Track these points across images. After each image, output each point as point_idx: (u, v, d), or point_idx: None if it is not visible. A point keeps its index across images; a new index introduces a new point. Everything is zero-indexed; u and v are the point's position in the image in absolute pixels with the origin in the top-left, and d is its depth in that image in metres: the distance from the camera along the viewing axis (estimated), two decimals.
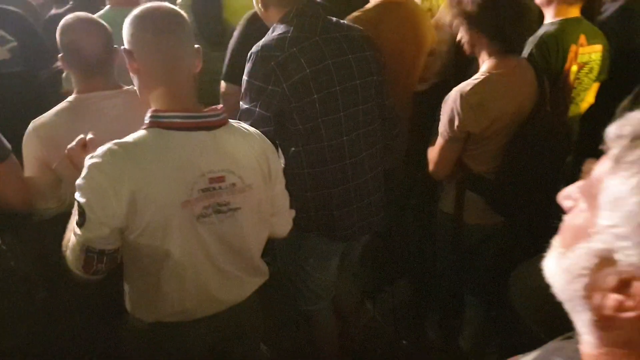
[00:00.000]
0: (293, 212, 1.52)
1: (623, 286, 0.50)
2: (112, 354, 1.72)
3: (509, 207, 1.82)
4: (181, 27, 1.22)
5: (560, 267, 0.57)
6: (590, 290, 0.53)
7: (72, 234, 1.20)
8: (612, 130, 0.54)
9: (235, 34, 2.08)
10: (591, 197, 0.54)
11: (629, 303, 0.50)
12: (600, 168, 0.55)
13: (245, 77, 1.63)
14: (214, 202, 1.22)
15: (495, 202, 1.82)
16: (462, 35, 1.78)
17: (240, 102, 1.66)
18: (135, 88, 1.66)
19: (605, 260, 0.51)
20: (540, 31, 2.05)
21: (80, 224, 1.15)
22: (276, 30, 1.66)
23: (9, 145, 1.53)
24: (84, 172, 1.15)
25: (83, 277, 1.24)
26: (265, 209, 1.36)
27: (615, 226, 0.50)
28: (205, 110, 1.25)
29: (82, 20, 1.62)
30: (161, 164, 1.16)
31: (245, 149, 1.28)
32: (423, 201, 2.30)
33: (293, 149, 1.70)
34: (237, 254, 1.32)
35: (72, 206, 1.42)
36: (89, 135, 1.31)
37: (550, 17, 2.10)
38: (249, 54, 1.62)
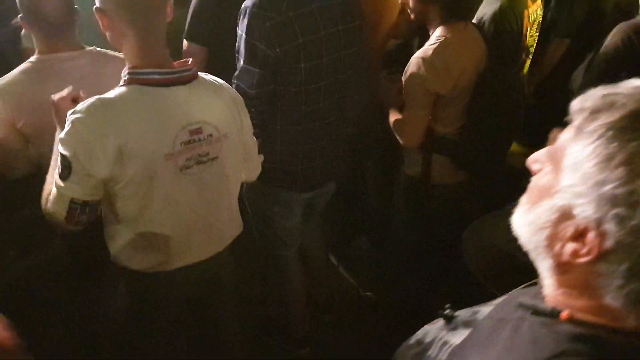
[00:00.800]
0: (262, 157, 1.56)
1: (579, 236, 0.58)
2: (95, 302, 1.74)
3: (473, 163, 1.89)
4: None
5: (527, 221, 0.64)
6: (551, 240, 0.61)
7: (53, 187, 1.22)
8: (575, 104, 0.61)
9: None
10: (556, 161, 0.62)
11: (583, 250, 0.58)
12: (565, 136, 0.62)
13: (240, 32, 1.58)
14: (195, 153, 1.26)
15: (461, 160, 1.88)
16: (412, 6, 1.81)
17: (239, 59, 1.62)
18: (97, 49, 1.61)
19: (565, 215, 0.59)
20: (493, 7, 2.05)
21: (64, 176, 1.17)
22: None
23: None
24: (67, 127, 1.15)
25: (65, 228, 1.25)
26: (240, 156, 1.41)
27: (574, 185, 0.58)
28: (177, 64, 1.26)
29: None
30: (143, 119, 1.18)
31: (218, 100, 1.31)
32: (383, 160, 2.33)
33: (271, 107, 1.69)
34: (218, 204, 1.37)
35: (40, 166, 1.38)
36: (81, 93, 1.29)
37: None
38: (242, 8, 1.56)
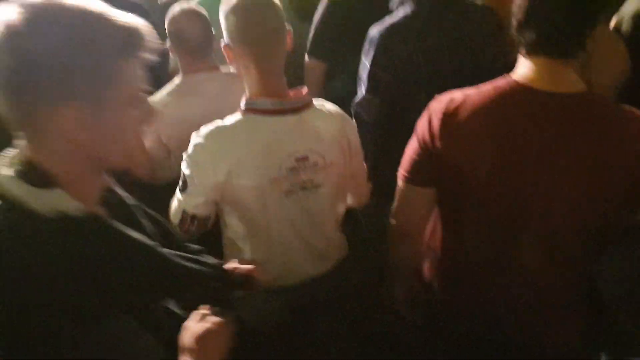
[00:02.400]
0: (370, 185, 1.51)
1: None
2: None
3: None
4: (273, 12, 1.21)
5: None
6: None
7: (175, 197, 1.31)
8: None
9: (320, 7, 1.99)
10: None
11: None
12: None
13: (364, 60, 1.56)
14: (299, 179, 1.26)
15: None
16: None
17: (361, 86, 1.60)
18: (230, 69, 1.69)
19: None
20: (634, 6, 1.77)
21: (182, 189, 1.26)
22: (399, 13, 1.56)
23: None
24: (190, 148, 1.24)
25: (180, 233, 1.32)
26: (344, 184, 1.38)
27: None
28: (292, 93, 1.27)
29: (185, 12, 1.68)
30: (254, 145, 1.22)
31: (327, 129, 1.30)
32: None
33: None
34: (319, 228, 1.35)
35: (179, 175, 1.48)
36: None
37: None
38: (368, 38, 1.56)
